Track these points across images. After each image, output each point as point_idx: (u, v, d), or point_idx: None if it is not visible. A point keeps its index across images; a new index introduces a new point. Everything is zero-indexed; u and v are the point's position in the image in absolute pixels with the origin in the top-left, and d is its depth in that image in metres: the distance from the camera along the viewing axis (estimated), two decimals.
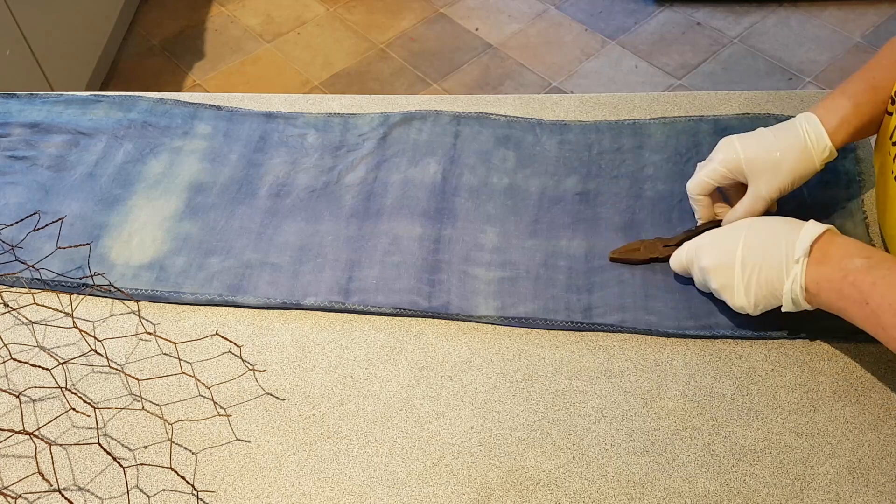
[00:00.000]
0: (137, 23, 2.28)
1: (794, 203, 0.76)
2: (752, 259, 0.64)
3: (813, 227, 0.62)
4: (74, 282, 0.76)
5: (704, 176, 0.72)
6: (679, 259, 0.70)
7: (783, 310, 0.64)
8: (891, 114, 0.68)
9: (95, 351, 0.71)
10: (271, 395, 0.69)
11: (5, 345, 0.72)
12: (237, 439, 0.66)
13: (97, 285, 0.75)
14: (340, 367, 0.70)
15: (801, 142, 0.69)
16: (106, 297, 0.76)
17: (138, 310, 0.75)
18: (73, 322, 0.71)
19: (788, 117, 0.83)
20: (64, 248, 0.78)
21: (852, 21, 2.10)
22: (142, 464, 0.65)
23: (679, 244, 0.72)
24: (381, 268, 0.75)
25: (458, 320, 0.72)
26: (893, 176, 0.66)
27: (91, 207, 0.82)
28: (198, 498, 0.63)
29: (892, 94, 0.68)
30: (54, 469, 0.65)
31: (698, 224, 0.74)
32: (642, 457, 0.63)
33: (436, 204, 0.80)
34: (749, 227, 0.66)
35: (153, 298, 0.75)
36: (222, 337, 0.71)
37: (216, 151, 0.87)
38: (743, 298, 0.65)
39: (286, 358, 0.71)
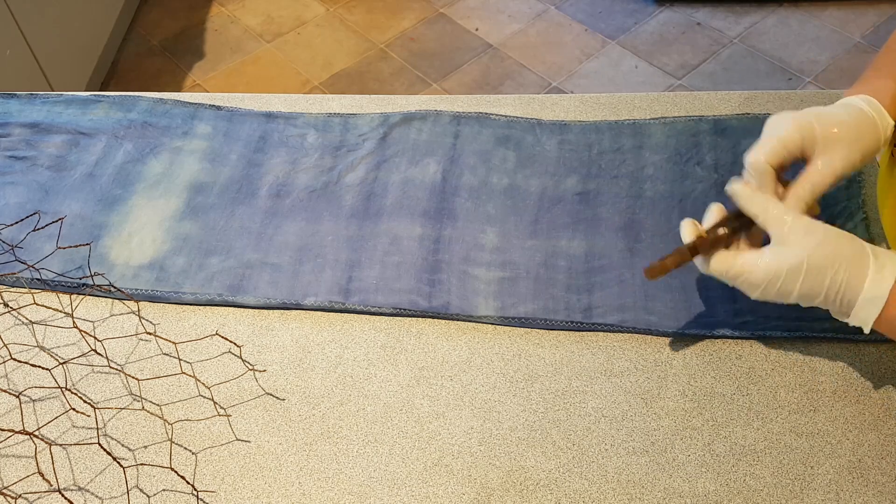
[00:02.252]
0: (137, 23, 2.28)
1: None
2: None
3: None
4: (74, 282, 0.76)
5: (776, 143, 0.61)
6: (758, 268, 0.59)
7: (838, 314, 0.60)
8: None
9: (95, 351, 0.71)
10: (271, 395, 0.69)
11: (5, 345, 0.72)
12: (237, 439, 0.66)
13: (97, 285, 0.75)
14: (340, 367, 0.70)
15: (869, 117, 0.62)
16: (106, 297, 0.76)
17: (138, 310, 0.75)
18: (73, 322, 0.71)
19: None
20: (64, 248, 0.78)
21: (852, 21, 2.10)
22: (142, 464, 0.65)
23: (718, 235, 0.61)
24: (381, 268, 0.75)
25: (458, 320, 0.72)
26: None
27: (91, 207, 0.82)
28: (198, 498, 0.63)
29: None
30: (54, 469, 0.65)
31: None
32: (642, 457, 0.63)
33: (436, 204, 0.80)
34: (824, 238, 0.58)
35: (153, 298, 0.75)
36: (222, 337, 0.71)
37: (216, 151, 0.87)
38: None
39: (286, 358, 0.71)
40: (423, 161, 0.84)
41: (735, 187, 0.62)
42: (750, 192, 0.61)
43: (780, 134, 0.62)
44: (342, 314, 0.73)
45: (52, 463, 0.65)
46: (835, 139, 0.61)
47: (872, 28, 2.08)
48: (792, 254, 0.57)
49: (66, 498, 0.62)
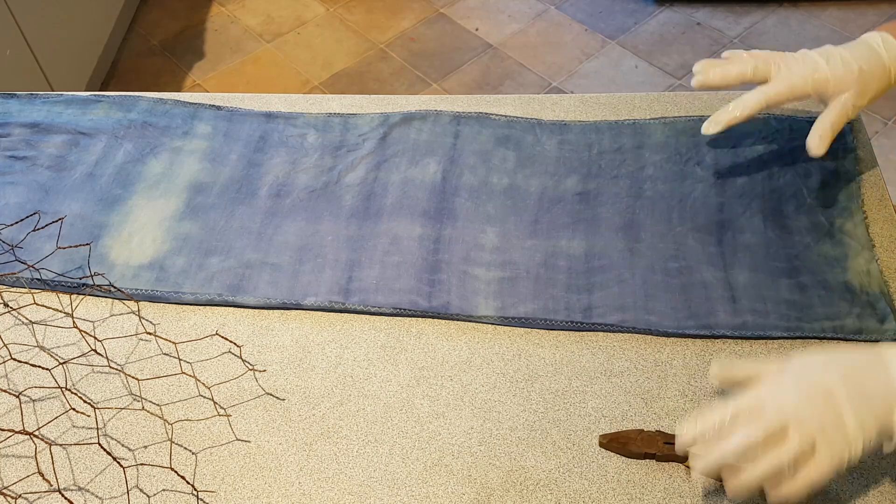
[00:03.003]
0: (137, 23, 2.28)
1: (793, 203, 0.77)
2: (855, 391, 0.53)
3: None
4: (74, 282, 0.76)
5: (774, 93, 0.71)
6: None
7: (886, 449, 0.54)
8: None
9: (95, 351, 0.71)
10: (271, 395, 0.69)
11: (5, 345, 0.72)
12: (237, 439, 0.66)
13: (97, 285, 0.75)
14: (340, 367, 0.70)
15: (878, 56, 0.70)
16: (106, 297, 0.76)
17: (138, 310, 0.75)
18: (73, 322, 0.71)
19: (788, 117, 0.84)
20: (64, 248, 0.78)
21: (852, 21, 2.10)
22: (142, 464, 0.65)
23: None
24: (381, 268, 0.75)
25: (458, 320, 0.72)
26: None
27: (91, 207, 0.82)
28: (198, 498, 0.63)
29: None
30: (54, 469, 0.65)
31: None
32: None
33: (436, 204, 0.80)
34: (829, 364, 0.55)
35: (153, 298, 0.75)
36: (222, 337, 0.71)
37: (216, 151, 0.87)
38: (859, 429, 0.52)
39: (286, 358, 0.71)
40: (423, 161, 0.84)
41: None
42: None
43: (787, 83, 0.70)
44: (342, 314, 0.73)
45: (52, 463, 0.65)
46: (846, 85, 0.69)
47: (872, 28, 2.08)
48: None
49: (66, 498, 0.62)
